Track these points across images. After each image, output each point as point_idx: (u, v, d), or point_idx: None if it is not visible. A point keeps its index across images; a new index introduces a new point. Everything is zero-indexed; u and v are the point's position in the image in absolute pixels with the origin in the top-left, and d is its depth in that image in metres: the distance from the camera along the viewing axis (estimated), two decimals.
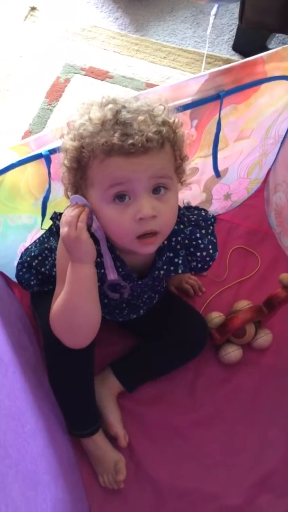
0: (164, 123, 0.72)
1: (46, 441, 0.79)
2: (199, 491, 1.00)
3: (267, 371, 1.13)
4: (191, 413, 1.09)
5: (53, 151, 0.84)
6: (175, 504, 0.99)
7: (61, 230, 0.74)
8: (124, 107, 0.71)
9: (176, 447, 1.05)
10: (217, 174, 1.05)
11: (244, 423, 1.08)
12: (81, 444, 1.00)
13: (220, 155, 1.04)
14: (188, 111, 0.92)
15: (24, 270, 0.96)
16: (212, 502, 0.99)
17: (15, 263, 0.98)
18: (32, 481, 0.64)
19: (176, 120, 0.75)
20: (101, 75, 1.66)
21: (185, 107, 0.90)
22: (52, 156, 0.85)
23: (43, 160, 0.85)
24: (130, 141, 0.67)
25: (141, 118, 0.69)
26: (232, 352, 1.11)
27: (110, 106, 0.70)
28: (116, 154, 0.69)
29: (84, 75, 1.66)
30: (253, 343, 1.13)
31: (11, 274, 1.05)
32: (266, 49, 1.66)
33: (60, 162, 0.77)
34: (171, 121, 0.74)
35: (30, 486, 0.62)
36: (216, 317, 1.15)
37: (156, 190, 0.73)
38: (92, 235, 0.75)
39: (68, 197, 0.79)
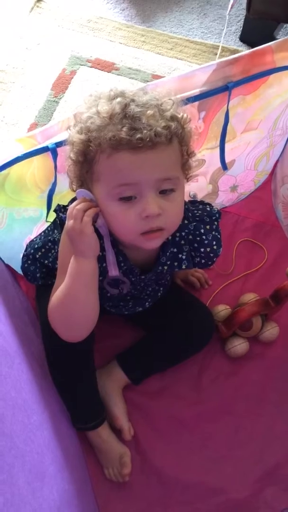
0: (173, 118, 0.71)
1: (52, 433, 0.79)
2: (204, 484, 1.00)
3: (274, 364, 1.13)
4: (197, 406, 1.08)
5: (59, 144, 0.83)
6: (180, 497, 0.99)
7: (66, 222, 0.74)
8: (132, 100, 0.70)
9: (182, 440, 1.05)
10: (224, 167, 1.05)
11: (250, 416, 1.08)
12: (87, 436, 1.01)
13: (227, 146, 1.03)
14: (196, 103, 0.91)
15: (29, 262, 0.96)
16: (218, 495, 0.99)
17: (21, 256, 0.98)
18: (39, 472, 0.64)
19: (185, 115, 0.74)
20: (107, 67, 1.65)
21: (193, 99, 0.89)
22: (58, 149, 0.84)
23: (49, 153, 0.85)
24: (138, 135, 0.66)
25: (150, 112, 0.68)
26: (239, 345, 1.10)
27: (118, 99, 0.69)
28: (123, 149, 0.68)
29: (90, 67, 1.65)
30: (260, 336, 1.13)
31: (17, 266, 1.05)
32: (274, 39, 1.63)
33: (66, 154, 0.76)
34: (179, 116, 0.73)
35: (36, 477, 0.62)
36: (222, 310, 1.14)
37: (163, 191, 0.72)
38: (96, 231, 0.75)
39: (73, 190, 0.79)
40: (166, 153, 0.70)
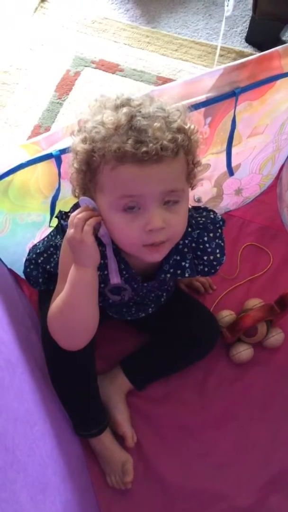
0: (180, 130, 0.70)
1: (55, 442, 0.78)
2: (208, 491, 0.99)
3: (279, 371, 1.12)
4: (201, 412, 1.08)
5: (63, 151, 0.82)
6: (184, 504, 0.98)
7: (67, 231, 0.73)
8: (139, 111, 0.68)
9: (186, 446, 1.04)
10: (231, 173, 1.04)
11: (254, 422, 1.07)
12: (89, 443, 1.00)
13: (233, 151, 1.02)
14: (202, 109, 0.90)
15: (31, 267, 0.95)
16: (222, 502, 0.98)
17: (24, 260, 0.97)
18: (41, 484, 0.63)
19: (192, 126, 0.73)
20: (111, 68, 1.64)
21: (199, 105, 0.88)
22: (62, 156, 0.83)
23: (53, 160, 0.84)
24: (144, 149, 0.65)
25: (156, 125, 0.67)
26: (243, 351, 1.09)
27: (124, 110, 0.68)
28: (128, 162, 0.67)
29: (95, 68, 1.64)
30: (265, 342, 1.12)
31: (20, 271, 1.05)
32: (280, 41, 1.63)
33: (69, 162, 0.76)
34: (187, 127, 0.71)
35: (39, 490, 0.61)
36: (227, 315, 1.13)
37: (167, 202, 0.71)
38: (98, 238, 0.74)
39: (75, 197, 0.78)
40: (172, 166, 0.69)
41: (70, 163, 0.75)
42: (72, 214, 0.73)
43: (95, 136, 0.69)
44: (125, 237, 0.73)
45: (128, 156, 0.66)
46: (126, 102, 0.70)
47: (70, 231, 0.72)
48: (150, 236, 0.71)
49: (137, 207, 0.70)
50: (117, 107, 0.69)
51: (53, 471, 0.71)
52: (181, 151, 0.70)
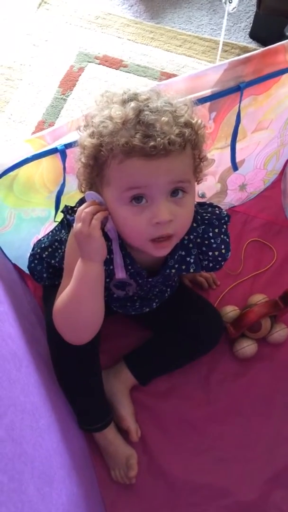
0: (187, 124, 0.70)
1: (60, 435, 0.79)
2: (212, 486, 1.00)
3: (283, 366, 1.12)
4: (205, 407, 1.08)
5: (68, 145, 0.82)
6: (188, 498, 0.99)
7: (74, 225, 0.73)
8: (147, 106, 0.68)
9: (190, 441, 1.04)
10: (235, 168, 1.03)
11: (258, 417, 1.07)
12: (93, 437, 1.00)
13: (237, 146, 1.02)
14: (207, 104, 0.90)
15: (36, 261, 0.96)
16: (226, 497, 0.99)
17: (28, 255, 0.98)
18: (48, 476, 0.63)
19: (199, 121, 0.73)
20: (115, 64, 1.63)
21: (204, 99, 0.88)
22: (67, 151, 0.83)
23: (58, 154, 0.84)
24: (152, 143, 0.65)
25: (164, 119, 0.67)
26: (247, 347, 1.09)
27: (132, 104, 0.68)
28: (136, 156, 0.67)
29: (98, 64, 1.64)
30: (269, 338, 1.12)
31: (24, 266, 1.05)
32: (284, 36, 1.62)
33: (76, 157, 0.76)
34: (194, 121, 0.72)
35: (46, 482, 0.61)
36: (231, 311, 1.13)
37: (174, 193, 0.71)
38: (105, 233, 0.74)
39: (81, 191, 0.78)
40: (179, 159, 0.69)
41: (77, 158, 0.75)
42: (80, 208, 0.73)
43: (102, 130, 0.69)
44: (131, 230, 0.73)
45: (136, 150, 0.66)
46: (134, 97, 0.70)
47: (77, 225, 0.72)
48: (157, 229, 0.71)
49: (144, 200, 0.70)
50: (124, 102, 0.70)
51: (59, 464, 0.71)
52: (188, 145, 0.70)
